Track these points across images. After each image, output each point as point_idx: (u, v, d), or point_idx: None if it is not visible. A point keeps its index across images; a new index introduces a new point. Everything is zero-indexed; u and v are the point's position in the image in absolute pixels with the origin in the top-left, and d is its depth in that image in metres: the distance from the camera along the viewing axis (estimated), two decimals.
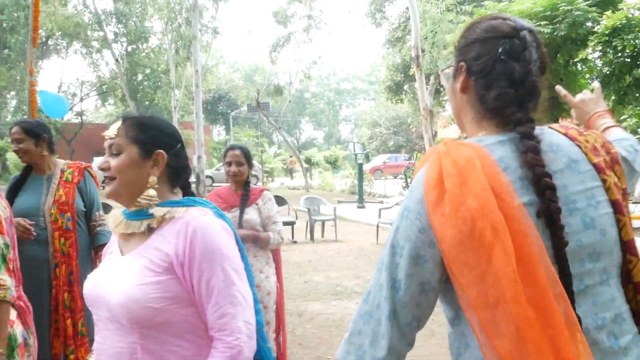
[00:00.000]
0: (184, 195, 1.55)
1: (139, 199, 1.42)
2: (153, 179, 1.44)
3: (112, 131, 1.45)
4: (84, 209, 3.01)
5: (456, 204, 0.97)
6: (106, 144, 1.46)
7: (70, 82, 35.31)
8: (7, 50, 23.91)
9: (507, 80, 1.06)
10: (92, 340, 3.09)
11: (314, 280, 6.96)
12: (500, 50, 1.07)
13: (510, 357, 0.91)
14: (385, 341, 1.02)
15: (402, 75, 23.58)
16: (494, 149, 1.04)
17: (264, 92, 25.93)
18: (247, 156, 3.43)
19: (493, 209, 0.94)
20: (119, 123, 1.47)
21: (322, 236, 10.51)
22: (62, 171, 2.99)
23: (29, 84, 4.53)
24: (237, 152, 3.41)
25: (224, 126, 47.80)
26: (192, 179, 28.70)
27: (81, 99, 31.53)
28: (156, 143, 1.46)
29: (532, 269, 0.92)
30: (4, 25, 23.31)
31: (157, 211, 1.42)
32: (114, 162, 1.42)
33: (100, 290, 1.41)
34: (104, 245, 3.12)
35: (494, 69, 1.07)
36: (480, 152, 1.01)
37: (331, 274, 7.28)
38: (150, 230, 1.42)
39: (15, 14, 22.49)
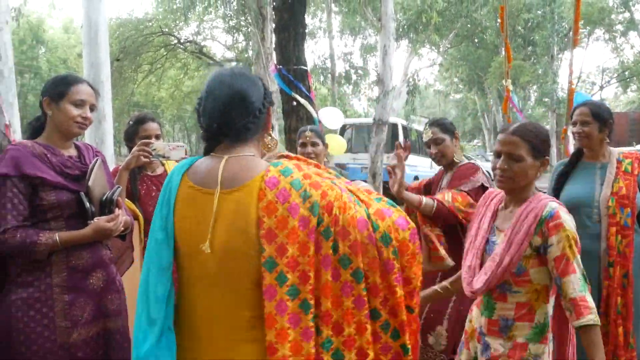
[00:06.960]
0: None
1: None
2: None
3: None
4: None
5: None
6: None
7: (589, 71, 34.72)
8: (530, 47, 25.31)
9: None
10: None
11: None
12: None
13: None
14: None
15: None
16: None
17: None
18: None
19: None
20: None
21: None
22: (619, 161, 2.66)
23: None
24: None
25: None
26: None
27: (601, 87, 30.38)
28: None
29: None
30: (530, 23, 24.75)
31: None
32: None
33: None
34: None
35: None
36: None
37: None
38: None
39: (540, 12, 23.48)
